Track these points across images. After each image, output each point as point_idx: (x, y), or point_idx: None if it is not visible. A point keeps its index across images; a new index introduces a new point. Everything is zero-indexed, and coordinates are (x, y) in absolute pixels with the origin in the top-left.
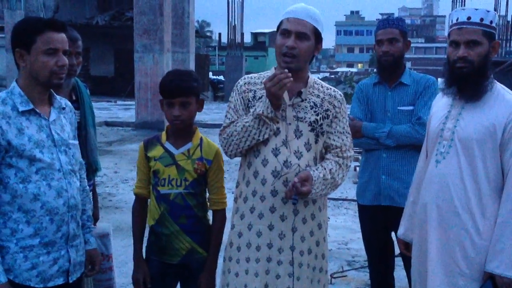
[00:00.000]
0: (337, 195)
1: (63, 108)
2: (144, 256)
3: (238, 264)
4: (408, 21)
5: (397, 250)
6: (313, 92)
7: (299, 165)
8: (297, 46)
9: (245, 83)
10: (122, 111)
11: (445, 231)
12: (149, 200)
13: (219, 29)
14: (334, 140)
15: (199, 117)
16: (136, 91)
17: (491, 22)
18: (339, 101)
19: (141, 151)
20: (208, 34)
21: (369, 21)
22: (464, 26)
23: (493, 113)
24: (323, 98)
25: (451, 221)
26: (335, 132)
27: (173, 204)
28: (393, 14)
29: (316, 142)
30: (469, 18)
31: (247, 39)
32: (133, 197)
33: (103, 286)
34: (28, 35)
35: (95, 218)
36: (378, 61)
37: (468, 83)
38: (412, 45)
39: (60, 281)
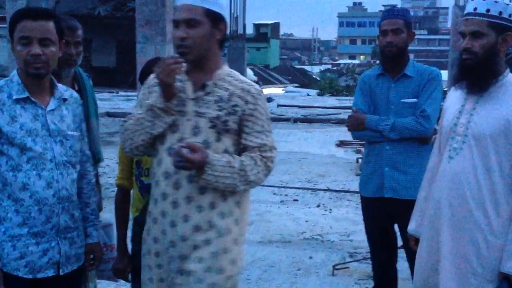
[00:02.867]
0: (339, 187)
1: (65, 99)
2: (129, 247)
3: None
4: (411, 12)
5: (399, 242)
6: (222, 85)
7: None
8: (188, 35)
9: (154, 77)
10: (124, 101)
11: (458, 229)
12: (131, 191)
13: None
14: (251, 141)
15: None
16: (137, 82)
17: (500, 13)
18: (253, 96)
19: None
20: None
21: (372, 12)
22: (469, 17)
23: (507, 107)
24: (233, 92)
25: (464, 219)
26: (251, 132)
27: None
28: (396, 5)
29: (218, 140)
30: (475, 8)
31: (249, 30)
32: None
33: (106, 276)
34: (10, 24)
35: (98, 208)
36: (382, 52)
37: (472, 76)
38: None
39: (50, 272)
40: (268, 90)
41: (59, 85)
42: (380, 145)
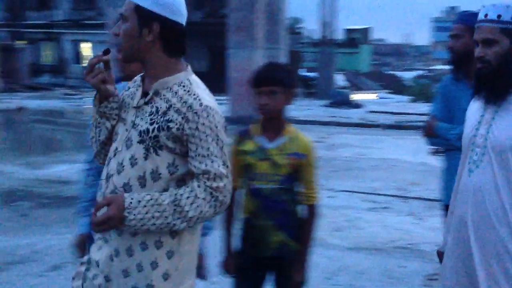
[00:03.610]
0: (431, 196)
1: None
2: (236, 247)
3: None
4: None
5: None
6: (164, 96)
7: (114, 182)
8: (118, 31)
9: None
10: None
11: (482, 246)
12: (242, 192)
13: (311, 26)
14: (194, 167)
15: (291, 113)
16: (229, 87)
17: None
18: (194, 112)
19: (233, 145)
20: (300, 30)
21: None
22: (481, 24)
23: None
24: (172, 104)
25: (488, 236)
26: (195, 156)
27: (266, 199)
28: None
29: (146, 158)
30: (486, 15)
31: (340, 35)
32: None
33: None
34: None
35: None
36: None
37: (488, 85)
38: None
39: None
40: (358, 96)
41: None
42: (454, 152)
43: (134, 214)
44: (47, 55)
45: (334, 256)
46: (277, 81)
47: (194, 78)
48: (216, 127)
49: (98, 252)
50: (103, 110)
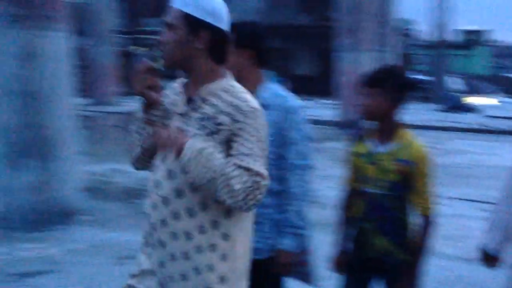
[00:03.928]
0: None
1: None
2: (346, 247)
3: None
4: None
5: None
6: (210, 101)
7: (165, 188)
8: (165, 39)
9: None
10: (323, 109)
11: None
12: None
13: (423, 28)
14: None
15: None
16: (337, 90)
17: None
18: (244, 114)
19: (348, 147)
20: (410, 32)
21: None
22: None
23: None
24: (221, 108)
25: None
26: (238, 154)
27: (372, 202)
28: None
29: None
30: None
31: (454, 37)
32: (334, 193)
33: (300, 278)
34: None
35: None
36: None
37: None
38: None
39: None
40: (475, 100)
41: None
42: None
43: (188, 154)
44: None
45: (447, 266)
46: (377, 83)
47: (235, 83)
48: (261, 129)
49: (149, 260)
50: (150, 117)
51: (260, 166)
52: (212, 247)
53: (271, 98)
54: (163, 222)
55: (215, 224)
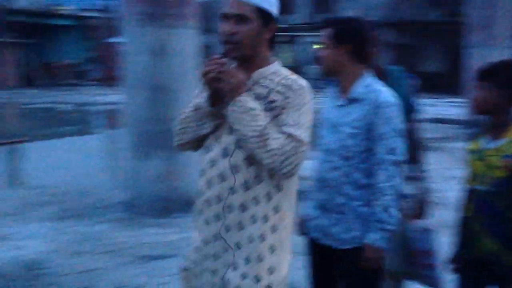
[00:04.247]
0: None
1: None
2: (460, 248)
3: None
4: None
5: None
6: (262, 83)
7: (220, 165)
8: (236, 30)
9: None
10: (450, 108)
11: None
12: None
13: None
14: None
15: None
16: (465, 88)
17: None
18: (293, 90)
19: (466, 145)
20: None
21: None
22: None
23: None
24: (272, 88)
25: None
26: (283, 124)
27: (479, 200)
28: None
29: None
30: None
31: None
32: (457, 194)
33: (426, 283)
34: None
35: (418, 215)
36: None
37: None
38: None
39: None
40: None
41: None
42: None
43: (237, 107)
44: (284, 57)
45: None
46: (488, 76)
47: (284, 68)
48: (308, 103)
49: (203, 234)
50: (216, 111)
51: (301, 133)
52: (265, 218)
53: (365, 92)
54: (218, 197)
55: (268, 197)
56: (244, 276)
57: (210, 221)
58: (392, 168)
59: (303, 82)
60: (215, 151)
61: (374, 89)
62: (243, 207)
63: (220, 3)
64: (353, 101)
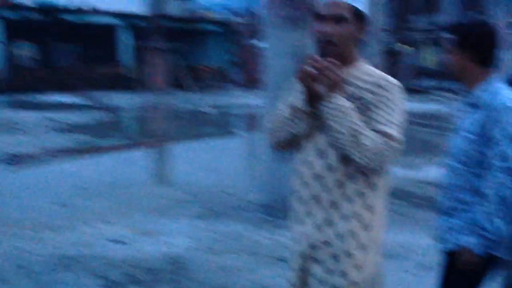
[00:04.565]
0: None
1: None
2: None
3: None
4: None
5: None
6: (352, 82)
7: (314, 165)
8: (334, 31)
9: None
10: None
11: None
12: None
13: None
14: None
15: None
16: None
17: None
18: (382, 87)
19: None
20: None
21: None
22: None
23: None
24: (362, 87)
25: None
26: (373, 122)
27: None
28: None
29: None
30: None
31: None
32: None
33: None
34: None
35: None
36: None
37: None
38: None
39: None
40: None
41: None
42: None
43: (333, 104)
44: (429, 58)
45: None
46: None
47: (372, 67)
48: (398, 102)
49: (303, 226)
50: (314, 111)
51: (392, 131)
52: (357, 216)
53: (485, 97)
54: (315, 197)
55: (361, 195)
56: (330, 272)
57: (304, 219)
58: (503, 176)
59: (394, 81)
60: (309, 151)
61: (492, 92)
62: (335, 205)
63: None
64: (472, 105)
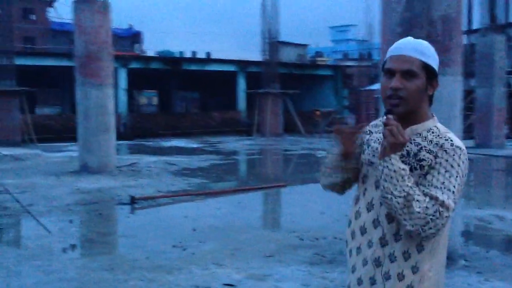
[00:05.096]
0: None
1: None
2: None
3: None
4: None
5: None
6: (415, 140)
7: (363, 219)
8: (403, 86)
9: (371, 124)
10: None
11: None
12: None
13: None
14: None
15: None
16: None
17: None
18: (445, 151)
19: None
20: None
21: None
22: None
23: None
24: (423, 147)
25: None
26: (428, 185)
27: None
28: None
29: None
30: None
31: None
32: None
33: None
34: None
35: None
36: None
37: None
38: None
39: None
40: None
41: None
42: None
43: (389, 163)
44: None
45: None
46: None
47: (441, 125)
48: (459, 166)
49: (348, 279)
50: (345, 165)
51: (447, 198)
52: (400, 277)
53: None
54: (358, 249)
55: (406, 255)
56: None
57: (349, 272)
58: None
59: (460, 144)
60: (361, 203)
61: None
62: (378, 263)
63: (482, 46)
64: None
